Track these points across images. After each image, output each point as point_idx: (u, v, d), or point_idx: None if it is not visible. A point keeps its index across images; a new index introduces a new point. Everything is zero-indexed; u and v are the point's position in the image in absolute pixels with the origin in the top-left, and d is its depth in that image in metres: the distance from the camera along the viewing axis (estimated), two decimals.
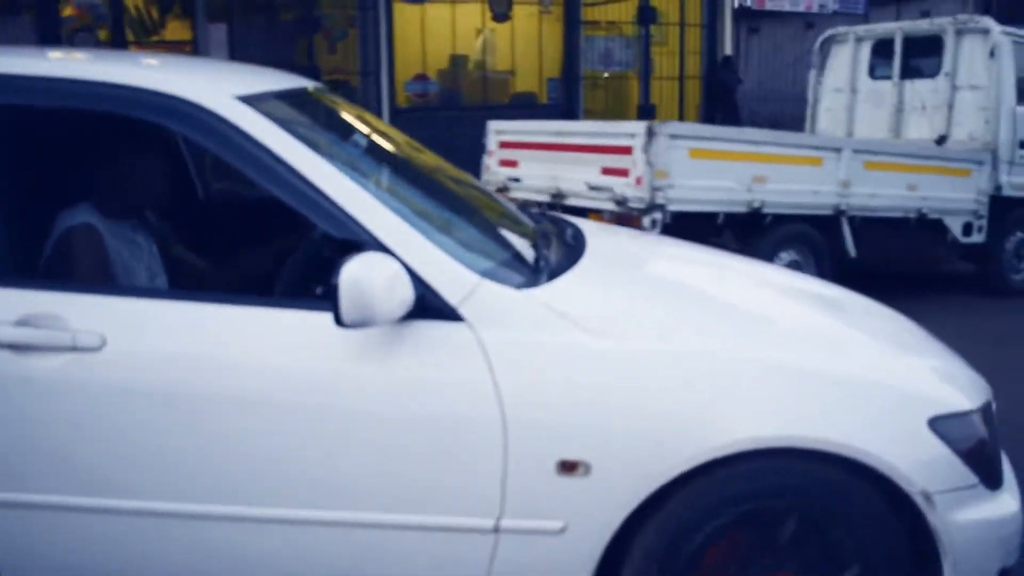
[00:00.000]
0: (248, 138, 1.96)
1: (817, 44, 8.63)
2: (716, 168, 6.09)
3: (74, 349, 1.91)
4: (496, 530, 1.93)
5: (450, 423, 1.90)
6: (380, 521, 1.94)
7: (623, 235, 3.23)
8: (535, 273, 2.14)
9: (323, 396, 1.91)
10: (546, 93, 11.09)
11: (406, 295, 1.82)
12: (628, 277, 2.53)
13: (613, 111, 10.64)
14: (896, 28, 8.28)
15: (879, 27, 8.62)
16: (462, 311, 1.91)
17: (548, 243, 2.45)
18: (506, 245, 2.32)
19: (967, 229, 7.29)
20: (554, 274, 2.15)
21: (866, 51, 8.30)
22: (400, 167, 2.56)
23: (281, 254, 2.37)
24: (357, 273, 1.76)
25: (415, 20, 10.46)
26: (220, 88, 2.06)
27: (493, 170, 6.89)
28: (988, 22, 7.60)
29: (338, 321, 1.77)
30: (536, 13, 10.98)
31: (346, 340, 1.87)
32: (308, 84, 2.59)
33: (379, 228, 1.92)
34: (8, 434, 1.93)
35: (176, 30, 10.07)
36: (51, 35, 8.75)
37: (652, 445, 1.90)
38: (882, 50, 8.16)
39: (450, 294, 1.91)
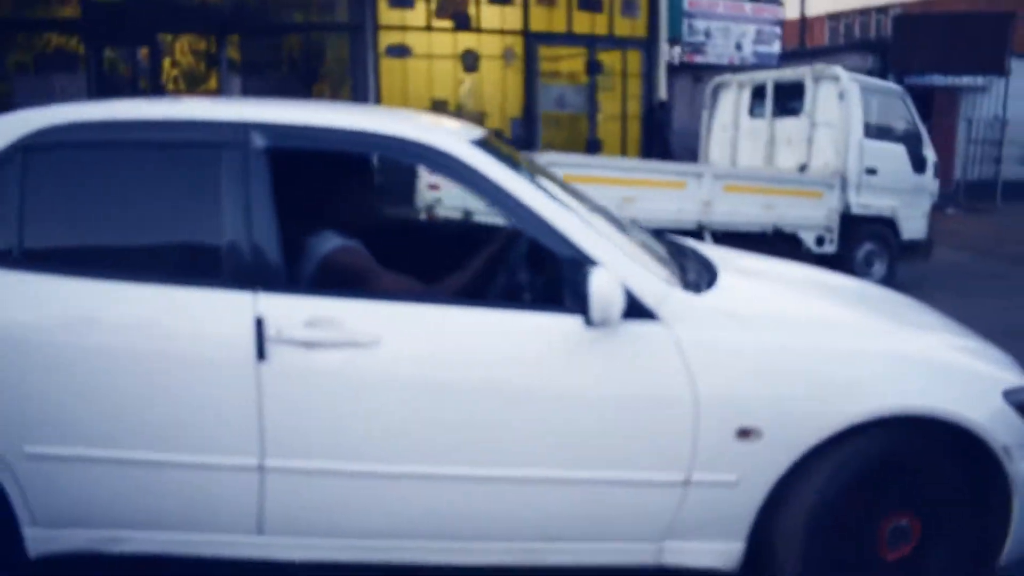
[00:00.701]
0: (484, 177, 2.23)
1: (708, 89, 9.42)
2: (589, 191, 6.81)
3: (355, 345, 2.11)
4: (687, 482, 2.21)
5: (655, 400, 2.17)
6: (604, 478, 2.22)
7: (724, 250, 3.37)
8: (697, 282, 2.43)
9: (560, 382, 2.16)
10: (510, 130, 12.05)
11: (623, 301, 2.08)
12: (764, 286, 2.80)
13: (567, 145, 11.56)
14: (768, 76, 9.04)
15: (757, 75, 9.39)
16: (658, 313, 2.18)
17: (687, 259, 2.72)
18: (668, 260, 2.56)
19: (820, 241, 8.03)
20: (709, 283, 2.45)
21: (747, 95, 9.17)
22: (568, 194, 2.66)
23: (463, 264, 2.57)
24: (600, 285, 2.03)
25: (399, 72, 11.51)
26: (458, 137, 2.34)
27: (422, 193, 7.18)
28: (838, 71, 8.36)
29: (589, 322, 2.06)
30: (501, 66, 11.96)
31: (576, 336, 2.13)
32: (484, 131, 2.77)
33: (594, 248, 2.19)
34: (299, 413, 2.14)
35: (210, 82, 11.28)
36: (98, 88, 9.96)
37: (808, 416, 2.19)
38: (759, 94, 9.04)
39: (649, 299, 2.19)
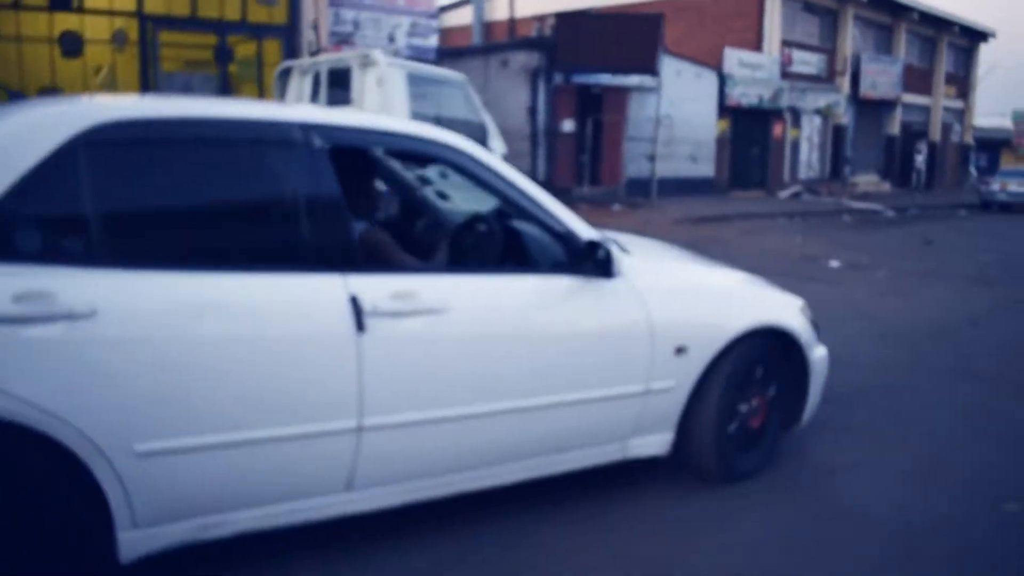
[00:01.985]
0: (497, 173, 2.61)
1: (276, 74, 8.25)
2: None
3: (431, 312, 2.34)
4: (647, 392, 2.80)
5: (629, 331, 2.72)
6: (601, 395, 2.71)
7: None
8: (627, 250, 2.94)
9: (571, 325, 2.61)
10: None
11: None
12: (658, 251, 3.49)
13: None
14: (323, 62, 8.02)
15: (316, 60, 8.28)
16: (620, 271, 2.72)
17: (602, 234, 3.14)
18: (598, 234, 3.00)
19: None
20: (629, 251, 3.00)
21: (309, 81, 8.05)
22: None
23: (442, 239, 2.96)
24: (615, 250, 2.68)
25: None
26: (464, 138, 2.69)
27: None
28: (377, 56, 7.50)
29: (610, 276, 2.64)
30: (111, 50, 10.22)
31: (574, 290, 2.61)
32: None
33: (581, 228, 2.68)
34: (392, 374, 2.27)
35: None
36: None
37: (713, 333, 2.90)
38: (318, 80, 7.87)
39: (616, 262, 2.69)
